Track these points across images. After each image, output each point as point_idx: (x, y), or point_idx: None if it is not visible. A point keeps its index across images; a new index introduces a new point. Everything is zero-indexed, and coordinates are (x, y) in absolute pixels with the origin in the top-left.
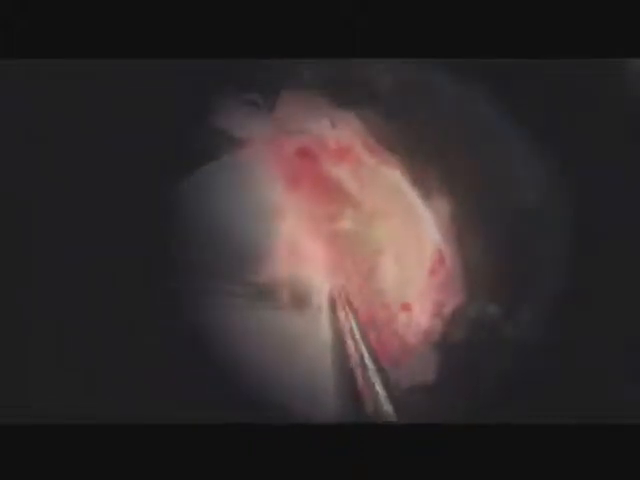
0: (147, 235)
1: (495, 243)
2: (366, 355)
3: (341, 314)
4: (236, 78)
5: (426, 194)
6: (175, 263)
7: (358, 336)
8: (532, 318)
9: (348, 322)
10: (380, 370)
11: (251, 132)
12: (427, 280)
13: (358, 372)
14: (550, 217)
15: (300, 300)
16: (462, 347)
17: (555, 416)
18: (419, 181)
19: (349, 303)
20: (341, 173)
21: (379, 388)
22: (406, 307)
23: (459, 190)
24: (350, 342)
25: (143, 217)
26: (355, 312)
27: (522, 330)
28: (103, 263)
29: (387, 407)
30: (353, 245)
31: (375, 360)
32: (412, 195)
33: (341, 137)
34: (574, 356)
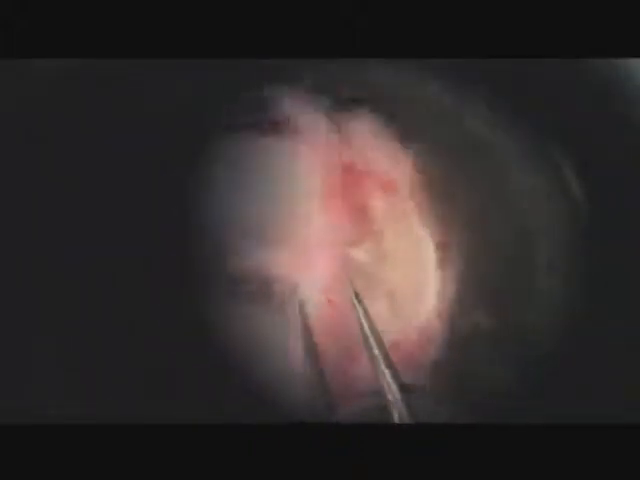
0: (147, 235)
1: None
2: (382, 357)
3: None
4: (247, 79)
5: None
6: (175, 264)
7: (367, 324)
8: (531, 325)
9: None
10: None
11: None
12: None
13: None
14: (548, 225)
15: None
16: (456, 354)
17: (554, 416)
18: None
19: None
20: (377, 204)
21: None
22: None
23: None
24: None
25: (143, 217)
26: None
27: (520, 337)
28: (103, 263)
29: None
30: (360, 275)
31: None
32: (428, 244)
33: (391, 171)
34: (574, 357)
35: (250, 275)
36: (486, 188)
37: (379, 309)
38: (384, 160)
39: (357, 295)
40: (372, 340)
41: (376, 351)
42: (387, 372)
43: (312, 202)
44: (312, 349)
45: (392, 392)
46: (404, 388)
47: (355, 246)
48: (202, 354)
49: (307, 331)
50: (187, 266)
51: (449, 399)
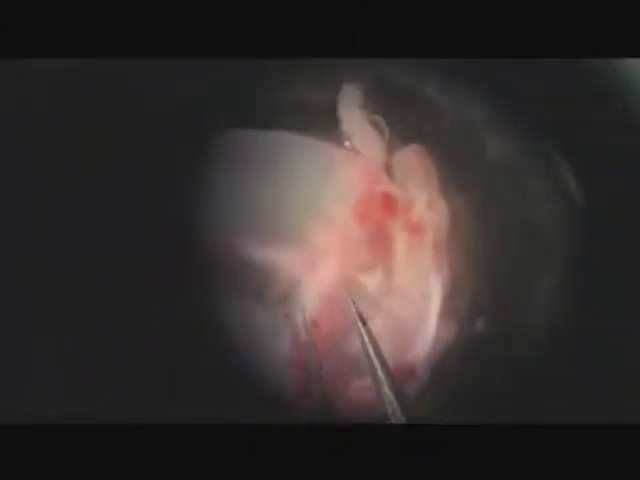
0: (147, 235)
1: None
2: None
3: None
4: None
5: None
6: (175, 264)
7: (371, 348)
8: (531, 325)
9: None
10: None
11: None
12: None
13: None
14: (549, 225)
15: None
16: (456, 355)
17: (554, 416)
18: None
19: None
20: (401, 242)
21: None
22: None
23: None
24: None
25: (143, 217)
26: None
27: (520, 337)
28: (103, 263)
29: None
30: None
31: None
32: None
33: (425, 218)
34: (574, 357)
35: (250, 274)
36: (486, 188)
37: (380, 315)
38: (421, 201)
39: (361, 316)
40: (376, 362)
41: (380, 374)
42: (391, 394)
43: (317, 206)
44: (312, 349)
45: (396, 415)
46: (408, 412)
47: (366, 272)
48: (202, 354)
49: (308, 331)
50: (187, 266)
51: (448, 399)
